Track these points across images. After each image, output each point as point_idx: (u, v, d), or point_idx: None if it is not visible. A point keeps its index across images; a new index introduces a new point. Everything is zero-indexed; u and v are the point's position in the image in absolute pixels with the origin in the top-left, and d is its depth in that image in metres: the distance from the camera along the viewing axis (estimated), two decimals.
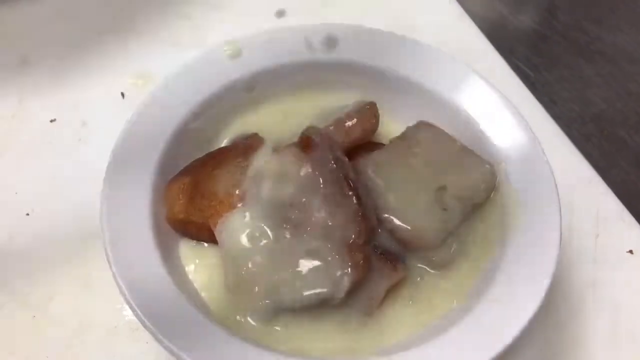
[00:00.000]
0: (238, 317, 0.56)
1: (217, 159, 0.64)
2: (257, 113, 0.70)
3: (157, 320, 0.53)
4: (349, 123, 0.64)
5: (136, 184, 0.61)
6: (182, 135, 0.66)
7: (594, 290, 0.68)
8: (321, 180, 0.57)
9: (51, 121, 0.78)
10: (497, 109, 0.67)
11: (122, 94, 0.80)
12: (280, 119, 0.69)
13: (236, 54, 0.70)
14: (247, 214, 0.59)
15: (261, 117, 0.69)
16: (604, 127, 0.87)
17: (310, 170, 0.58)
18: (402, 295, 0.59)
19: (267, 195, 0.59)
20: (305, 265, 0.56)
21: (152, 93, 0.66)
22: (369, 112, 0.65)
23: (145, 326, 0.53)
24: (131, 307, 0.54)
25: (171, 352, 0.52)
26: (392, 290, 0.58)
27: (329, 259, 0.56)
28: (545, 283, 0.56)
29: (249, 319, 0.56)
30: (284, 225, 0.58)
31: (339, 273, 0.55)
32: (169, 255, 0.59)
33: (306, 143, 0.59)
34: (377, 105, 0.66)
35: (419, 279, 0.60)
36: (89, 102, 0.79)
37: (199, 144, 0.66)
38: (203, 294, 0.58)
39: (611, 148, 0.85)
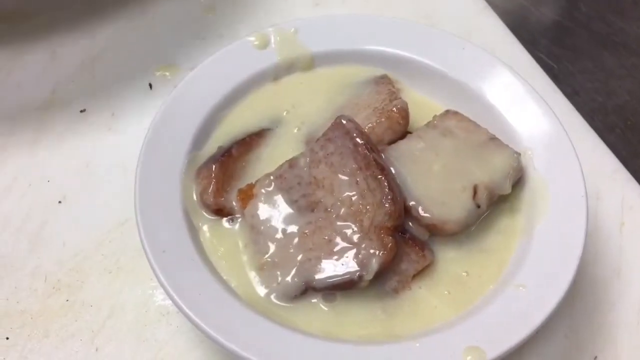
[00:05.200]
0: (265, 297, 0.57)
1: (247, 145, 0.65)
2: (282, 95, 0.71)
3: (191, 303, 0.54)
4: (379, 130, 0.64)
5: (168, 169, 0.62)
6: (213, 122, 0.67)
7: (620, 279, 0.69)
8: (353, 164, 0.58)
9: (81, 111, 0.79)
10: (522, 98, 0.67)
11: (150, 85, 0.81)
12: (305, 98, 0.70)
13: (263, 46, 0.71)
14: (278, 196, 0.60)
15: (289, 101, 0.70)
16: (627, 117, 0.87)
17: (342, 154, 0.59)
18: (430, 279, 0.59)
19: (298, 178, 0.60)
20: (335, 246, 0.57)
21: (182, 83, 0.67)
22: (398, 116, 0.65)
23: (179, 308, 0.54)
24: (166, 291, 0.55)
25: (206, 335, 0.53)
26: (419, 275, 0.59)
27: (359, 241, 0.57)
28: (571, 270, 0.57)
29: (273, 298, 0.57)
30: (314, 208, 0.59)
31: (368, 255, 0.56)
32: (198, 239, 0.60)
33: (339, 128, 0.60)
34: (404, 96, 0.67)
35: (445, 263, 0.60)
36: (117, 93, 0.81)
37: (228, 130, 0.67)
38: (231, 276, 0.59)
39: (634, 138, 0.85)
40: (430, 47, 0.71)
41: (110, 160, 0.75)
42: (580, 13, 0.97)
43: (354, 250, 0.57)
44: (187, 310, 0.53)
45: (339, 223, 0.58)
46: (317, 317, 0.57)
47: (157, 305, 0.66)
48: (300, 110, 0.69)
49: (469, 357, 0.53)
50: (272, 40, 0.72)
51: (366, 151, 0.58)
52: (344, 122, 0.60)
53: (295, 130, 0.67)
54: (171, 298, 0.54)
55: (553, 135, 0.65)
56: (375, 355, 0.53)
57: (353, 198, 0.58)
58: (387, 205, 0.57)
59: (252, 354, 0.52)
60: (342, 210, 0.58)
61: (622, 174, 0.77)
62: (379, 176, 0.57)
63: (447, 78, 0.70)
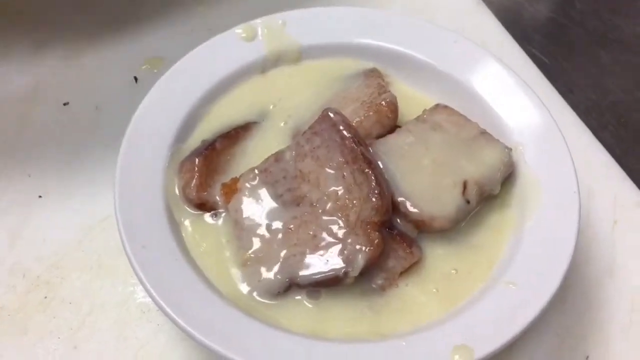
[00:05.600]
0: (248, 295, 0.56)
1: (232, 138, 0.64)
2: (268, 88, 0.69)
3: (170, 300, 0.53)
4: (368, 123, 0.63)
5: (149, 163, 0.61)
6: (197, 116, 0.66)
7: (612, 278, 0.67)
8: (340, 158, 0.57)
9: (65, 104, 0.77)
10: (514, 92, 0.66)
11: (135, 79, 0.79)
12: (292, 91, 0.68)
13: (251, 38, 0.70)
14: (263, 190, 0.58)
15: (276, 94, 0.68)
16: (621, 115, 0.86)
17: (328, 147, 0.57)
18: (418, 276, 0.58)
19: (283, 172, 0.58)
20: (320, 242, 0.55)
21: (166, 75, 0.66)
22: (387, 109, 0.64)
23: (158, 306, 0.52)
24: (145, 288, 0.53)
25: (187, 333, 0.51)
26: (407, 272, 0.57)
27: (345, 236, 0.55)
28: (563, 268, 0.56)
29: (255, 295, 0.55)
30: (300, 202, 0.57)
31: (354, 251, 0.54)
32: (180, 234, 0.59)
33: (326, 121, 0.58)
34: (393, 90, 0.66)
35: (433, 261, 0.59)
36: (102, 86, 0.79)
37: (213, 124, 0.66)
38: (213, 273, 0.57)
39: (628, 136, 0.83)
40: (420, 40, 0.70)
41: (94, 154, 0.73)
42: (575, 10, 0.96)
43: (340, 246, 0.55)
44: (167, 308, 0.52)
45: (324, 218, 0.56)
46: (301, 314, 0.55)
47: (137, 303, 0.64)
48: (287, 104, 0.68)
49: (456, 356, 0.51)
50: (260, 33, 0.70)
51: (353, 144, 0.57)
52: (331, 115, 0.58)
53: (282, 124, 0.65)
54: (150, 295, 0.53)
55: (545, 129, 0.63)
56: (361, 354, 0.52)
57: (339, 192, 0.56)
58: (374, 199, 0.55)
59: (234, 353, 0.50)
60: (328, 204, 0.56)
61: (615, 172, 0.76)
62: (366, 170, 0.56)
63: (438, 71, 0.69)
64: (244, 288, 0.56)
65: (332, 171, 0.57)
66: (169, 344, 0.61)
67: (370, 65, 0.70)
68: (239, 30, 0.70)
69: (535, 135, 0.64)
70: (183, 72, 0.66)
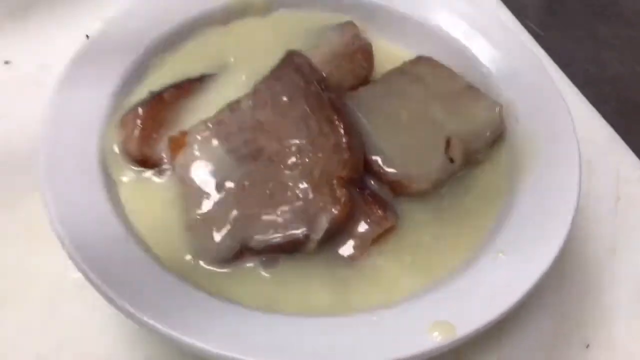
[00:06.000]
0: (193, 262, 0.48)
1: (184, 90, 0.56)
2: (231, 39, 0.61)
3: (98, 266, 0.44)
4: (339, 74, 0.55)
5: (84, 113, 0.53)
6: (146, 65, 0.58)
7: (614, 257, 0.59)
8: (304, 106, 0.49)
9: (6, 63, 0.69)
10: (504, 45, 0.59)
11: (87, 37, 0.71)
12: (258, 44, 0.60)
13: None
14: (215, 144, 0.50)
15: (235, 42, 0.60)
16: (621, 90, 0.78)
17: (291, 94, 0.50)
18: (393, 245, 0.50)
19: (239, 123, 0.50)
20: (278, 201, 0.48)
21: (112, 17, 0.59)
22: (360, 58, 0.56)
23: (82, 272, 0.44)
24: (67, 250, 0.45)
25: (119, 307, 0.43)
26: (380, 240, 0.49)
27: (307, 194, 0.47)
28: (560, 237, 0.48)
29: (202, 263, 0.47)
30: (257, 157, 0.49)
31: (317, 211, 0.46)
32: (115, 193, 0.51)
33: (288, 64, 0.50)
34: (370, 41, 0.58)
35: (411, 228, 0.51)
36: (48, 44, 0.71)
37: (165, 76, 0.58)
38: (152, 237, 0.49)
39: (629, 110, 0.76)
40: None
41: (36, 115, 0.65)
42: None
43: (301, 206, 0.47)
44: (93, 275, 0.44)
45: (284, 174, 0.48)
46: (255, 285, 0.47)
47: (73, 278, 0.55)
48: (250, 57, 0.59)
49: (435, 333, 0.43)
50: None
51: (319, 90, 0.49)
52: (295, 57, 0.51)
53: (244, 78, 0.57)
54: (72, 258, 0.44)
55: (539, 85, 0.56)
56: (322, 329, 0.44)
57: (302, 144, 0.49)
58: (341, 151, 0.47)
59: (175, 329, 0.42)
60: (290, 158, 0.49)
61: (618, 146, 0.68)
62: (334, 118, 0.48)
63: (419, 24, 0.61)
64: (188, 254, 0.48)
65: (294, 121, 0.49)
66: (105, 323, 0.52)
67: (345, 18, 0.62)
68: None
69: (528, 92, 0.56)
70: (132, 16, 0.59)
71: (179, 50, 0.60)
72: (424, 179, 0.51)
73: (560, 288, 0.57)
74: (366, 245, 0.49)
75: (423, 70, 0.56)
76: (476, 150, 0.53)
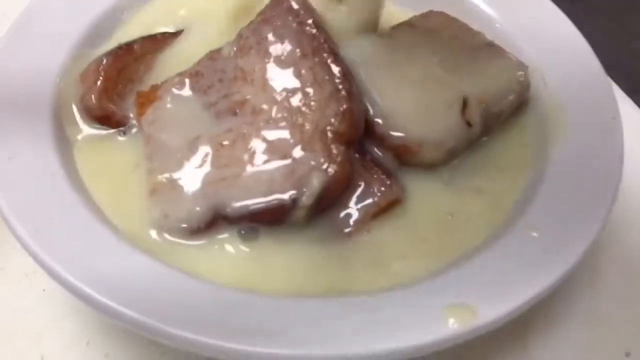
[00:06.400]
0: (157, 233, 0.40)
1: (158, 43, 0.49)
2: None
3: (39, 233, 0.37)
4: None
5: (39, 65, 0.46)
6: (116, 16, 0.51)
7: None
8: (296, 49, 0.41)
9: None
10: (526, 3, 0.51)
11: None
12: None
13: None
14: (190, 98, 0.43)
15: None
16: None
17: (281, 37, 0.42)
18: (398, 220, 0.41)
19: (219, 74, 0.43)
20: (260, 160, 0.40)
21: None
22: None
23: (22, 243, 0.37)
24: (3, 216, 0.38)
25: (66, 285, 0.36)
26: (382, 214, 0.41)
27: (296, 152, 0.39)
28: (601, 213, 0.40)
29: (166, 234, 0.39)
30: (238, 111, 0.41)
31: (307, 170, 0.38)
32: (69, 152, 0.43)
33: (279, 4, 0.43)
34: None
35: (420, 202, 0.42)
36: None
37: (138, 27, 0.51)
38: (109, 202, 0.41)
39: None
40: None
41: None
42: None
43: (289, 164, 0.39)
44: (34, 247, 0.36)
45: (269, 130, 0.40)
46: (230, 260, 0.39)
47: (18, 262, 0.47)
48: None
49: (451, 320, 0.34)
50: None
51: (315, 31, 0.41)
52: None
53: (225, 29, 0.49)
54: (10, 226, 0.37)
55: (569, 45, 0.49)
56: (310, 315, 0.35)
57: (293, 94, 0.41)
58: (339, 101, 0.39)
59: (134, 311, 0.35)
60: (276, 111, 0.41)
61: None
62: (330, 63, 0.40)
63: None
64: (151, 223, 0.40)
65: (284, 67, 0.41)
66: (56, 313, 0.45)
67: None
68: None
69: (556, 53, 0.49)
70: None
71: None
72: (435, 144, 0.43)
73: (597, 282, 0.48)
74: (367, 218, 0.41)
75: (435, 24, 0.48)
76: (497, 114, 0.45)
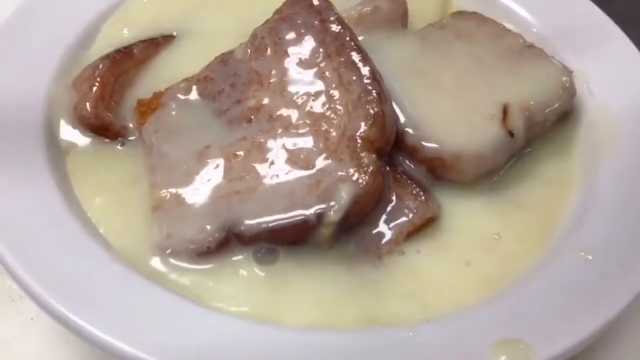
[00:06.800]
0: (157, 254, 0.35)
1: (158, 46, 0.45)
2: None
3: (24, 253, 0.33)
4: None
5: (31, 69, 0.42)
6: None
7: None
8: (320, 49, 0.37)
9: None
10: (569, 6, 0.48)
11: None
12: None
13: None
14: (198, 105, 0.39)
15: None
16: None
17: (302, 36, 0.38)
18: (434, 241, 0.37)
19: (232, 78, 0.39)
20: (280, 172, 0.35)
21: None
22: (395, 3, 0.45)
23: (5, 266, 0.33)
24: None
25: (53, 314, 0.32)
26: (415, 233, 0.37)
27: (320, 160, 0.34)
28: None
29: (170, 256, 0.35)
30: (252, 118, 0.37)
31: (334, 182, 0.33)
32: (62, 164, 0.39)
33: (299, 2, 0.39)
34: None
35: (458, 221, 0.38)
36: None
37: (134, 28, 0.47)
38: (105, 219, 0.37)
39: None
40: None
41: None
42: None
43: (312, 175, 0.34)
44: (19, 270, 0.32)
45: (289, 137, 0.36)
46: (245, 287, 0.35)
47: (4, 287, 0.43)
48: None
49: (503, 357, 0.29)
50: None
51: (340, 28, 0.37)
52: None
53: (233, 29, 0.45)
54: None
55: (616, 50, 0.45)
56: (339, 350, 0.30)
57: (316, 98, 0.36)
58: (369, 104, 0.34)
59: (132, 346, 0.30)
60: (297, 116, 0.36)
61: None
62: (358, 61, 0.36)
63: None
64: (152, 244, 0.35)
65: (305, 69, 0.37)
66: (45, 343, 0.41)
67: None
68: None
69: (604, 60, 0.45)
70: None
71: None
72: (475, 157, 0.39)
73: None
74: (400, 239, 0.36)
75: (468, 25, 0.44)
76: (541, 124, 0.41)
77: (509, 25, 0.47)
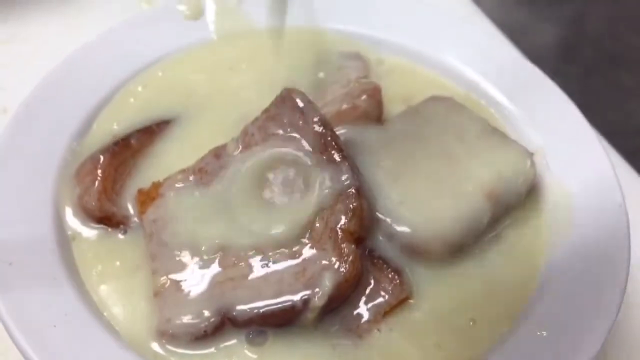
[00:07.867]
0: (157, 340, 0.38)
1: (153, 134, 0.48)
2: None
3: (37, 338, 0.36)
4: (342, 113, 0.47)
5: (39, 160, 0.45)
6: (119, 100, 0.50)
7: None
8: (303, 145, 0.41)
9: None
10: (529, 84, 0.52)
11: None
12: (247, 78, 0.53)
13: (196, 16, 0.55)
14: (195, 195, 0.42)
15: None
16: None
17: (288, 134, 0.42)
18: (407, 321, 0.40)
19: (224, 171, 0.42)
20: (269, 260, 0.39)
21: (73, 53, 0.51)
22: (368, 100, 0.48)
23: (17, 344, 0.36)
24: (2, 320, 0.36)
25: None
26: (390, 313, 0.40)
27: (307, 252, 0.38)
28: (612, 311, 0.40)
29: (167, 344, 0.38)
30: (244, 208, 0.41)
31: (318, 270, 0.38)
32: (69, 253, 0.42)
33: (284, 102, 0.43)
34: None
35: (428, 300, 0.41)
36: None
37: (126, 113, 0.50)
38: (110, 305, 0.40)
39: None
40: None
41: None
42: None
43: (299, 265, 0.38)
44: (28, 349, 0.35)
45: (277, 227, 0.40)
46: None
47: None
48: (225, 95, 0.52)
49: None
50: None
51: (322, 129, 0.41)
52: (293, 94, 0.43)
53: (218, 120, 0.49)
54: (6, 327, 0.36)
55: (572, 128, 0.49)
56: None
57: (301, 191, 0.40)
58: (348, 200, 0.39)
59: None
60: (284, 209, 0.40)
61: None
62: (338, 159, 0.40)
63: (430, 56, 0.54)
64: (153, 329, 0.39)
65: (292, 165, 0.41)
66: None
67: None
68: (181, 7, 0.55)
69: (558, 136, 0.49)
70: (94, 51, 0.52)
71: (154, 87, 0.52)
72: (445, 243, 0.42)
73: None
74: (378, 318, 0.40)
75: (437, 109, 0.48)
76: (506, 205, 0.44)
77: (479, 103, 0.52)
